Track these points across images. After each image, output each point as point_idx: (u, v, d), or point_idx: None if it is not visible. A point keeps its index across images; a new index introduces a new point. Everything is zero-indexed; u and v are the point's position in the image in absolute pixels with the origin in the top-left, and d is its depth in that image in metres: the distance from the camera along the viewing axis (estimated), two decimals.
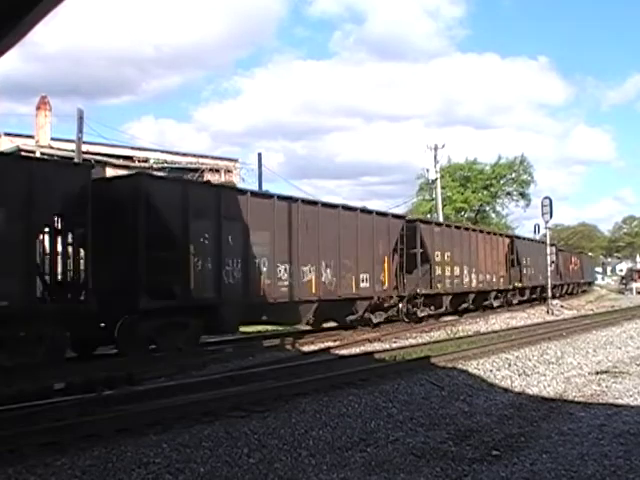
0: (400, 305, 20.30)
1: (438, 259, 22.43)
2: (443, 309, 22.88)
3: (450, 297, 23.20)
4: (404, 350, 13.39)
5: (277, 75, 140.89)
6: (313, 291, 16.28)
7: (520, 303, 30.17)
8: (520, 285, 30.49)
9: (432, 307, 22.03)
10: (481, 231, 28.29)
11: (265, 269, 14.78)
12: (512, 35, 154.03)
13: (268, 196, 15.59)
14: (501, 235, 30.49)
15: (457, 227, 25.62)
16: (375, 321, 19.10)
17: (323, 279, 16.68)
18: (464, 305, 24.85)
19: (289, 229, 15.55)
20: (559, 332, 17.25)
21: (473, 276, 25.15)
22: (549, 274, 30.35)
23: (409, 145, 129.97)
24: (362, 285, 18.26)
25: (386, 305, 19.67)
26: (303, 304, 16.13)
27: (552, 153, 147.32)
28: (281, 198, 15.74)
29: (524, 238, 34.92)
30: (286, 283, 15.40)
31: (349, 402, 8.25)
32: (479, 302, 26.19)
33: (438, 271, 22.40)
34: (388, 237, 19.60)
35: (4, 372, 10.25)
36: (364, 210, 19.25)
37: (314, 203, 17.25)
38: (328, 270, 16.84)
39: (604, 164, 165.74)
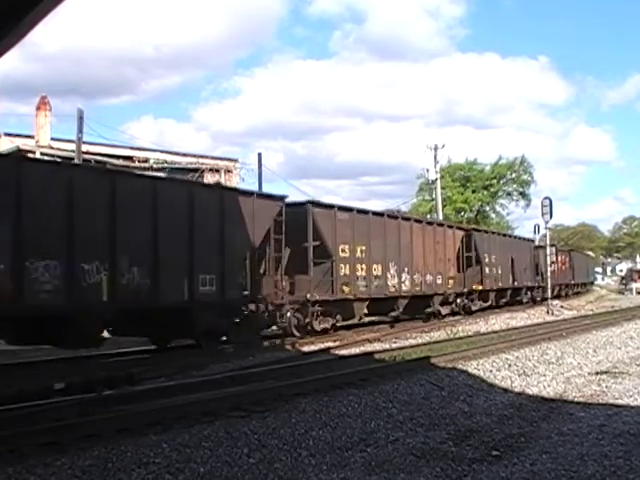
0: (288, 314, 16.21)
1: (344, 255, 17.76)
2: (356, 319, 19.08)
3: (366, 303, 18.86)
4: (404, 350, 13.39)
5: (277, 75, 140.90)
6: None
7: (483, 310, 25.88)
8: (480, 288, 26.03)
9: (338, 316, 17.81)
10: (418, 221, 23.06)
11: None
12: (512, 35, 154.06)
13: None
14: (451, 227, 25.56)
15: (378, 214, 20.42)
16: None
17: None
18: (392, 313, 20.60)
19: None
20: (559, 332, 17.26)
21: (405, 277, 20.69)
22: (549, 274, 30.36)
23: (409, 145, 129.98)
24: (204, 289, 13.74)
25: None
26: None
27: (552, 153, 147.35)
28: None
29: (487, 231, 30.35)
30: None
31: (349, 402, 8.25)
32: (416, 309, 21.88)
33: (344, 270, 17.81)
34: (253, 225, 14.80)
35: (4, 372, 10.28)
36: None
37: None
38: None
39: (604, 164, 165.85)
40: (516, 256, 30.81)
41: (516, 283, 30.72)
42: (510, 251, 30.02)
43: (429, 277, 22.24)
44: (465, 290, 24.83)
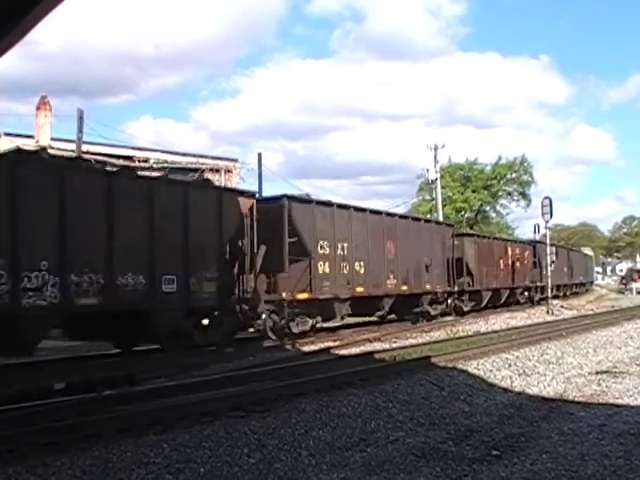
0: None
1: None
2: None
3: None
4: (404, 350, 13.39)
5: (276, 74, 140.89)
6: None
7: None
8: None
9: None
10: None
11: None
12: (513, 34, 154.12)
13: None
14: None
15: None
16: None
17: None
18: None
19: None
20: (559, 332, 17.25)
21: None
22: (549, 274, 30.35)
23: (409, 145, 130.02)
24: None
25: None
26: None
27: (553, 153, 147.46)
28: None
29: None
30: None
31: (349, 402, 8.24)
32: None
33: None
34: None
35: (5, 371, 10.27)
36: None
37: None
38: None
39: (605, 164, 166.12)
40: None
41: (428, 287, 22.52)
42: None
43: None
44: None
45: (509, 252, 30.34)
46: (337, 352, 13.91)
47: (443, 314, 23.27)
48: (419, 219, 24.16)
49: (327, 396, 8.49)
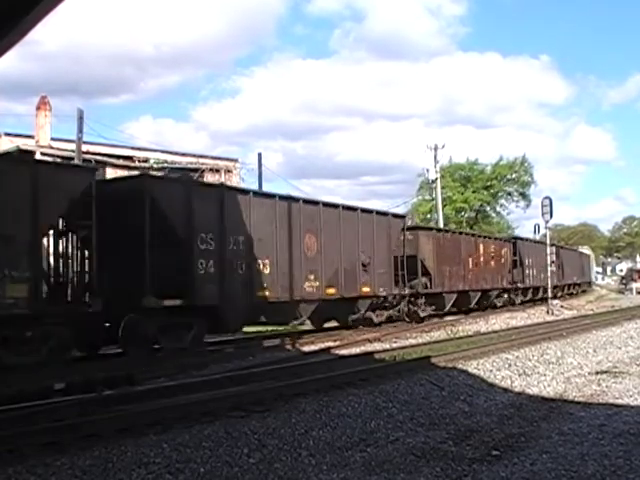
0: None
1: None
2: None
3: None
4: (404, 350, 13.39)
5: (276, 74, 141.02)
6: None
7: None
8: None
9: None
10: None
11: None
12: (514, 34, 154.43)
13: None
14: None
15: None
16: None
17: None
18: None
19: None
20: (559, 332, 17.25)
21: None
22: (549, 274, 30.34)
23: (409, 145, 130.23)
24: None
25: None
26: None
27: (553, 153, 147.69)
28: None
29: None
30: None
31: (349, 402, 8.24)
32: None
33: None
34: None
35: (5, 372, 10.26)
36: None
37: None
38: None
39: (605, 164, 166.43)
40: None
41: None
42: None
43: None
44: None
45: (481, 249, 26.67)
46: (337, 352, 13.91)
47: (393, 321, 19.90)
48: (354, 208, 18.87)
49: (327, 396, 8.49)
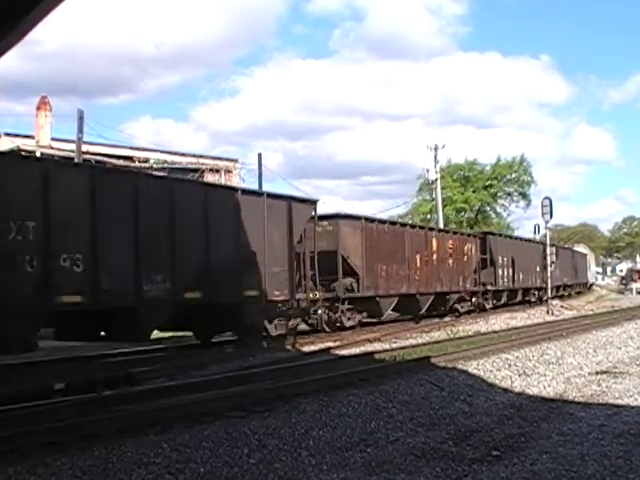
0: None
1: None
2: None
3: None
4: (404, 350, 13.39)
5: (276, 74, 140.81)
6: None
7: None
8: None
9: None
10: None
11: None
12: (514, 34, 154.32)
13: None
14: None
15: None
16: None
17: None
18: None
19: None
20: (559, 332, 17.25)
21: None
22: (549, 274, 30.34)
23: (409, 145, 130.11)
24: None
25: None
26: None
27: (553, 152, 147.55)
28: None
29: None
30: None
31: (349, 402, 8.24)
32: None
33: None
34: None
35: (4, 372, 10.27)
36: None
37: None
38: None
39: (605, 164, 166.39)
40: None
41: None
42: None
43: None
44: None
45: (434, 245, 22.76)
46: (337, 352, 13.91)
47: (295, 334, 16.04)
48: (233, 189, 16.33)
49: (327, 396, 8.49)
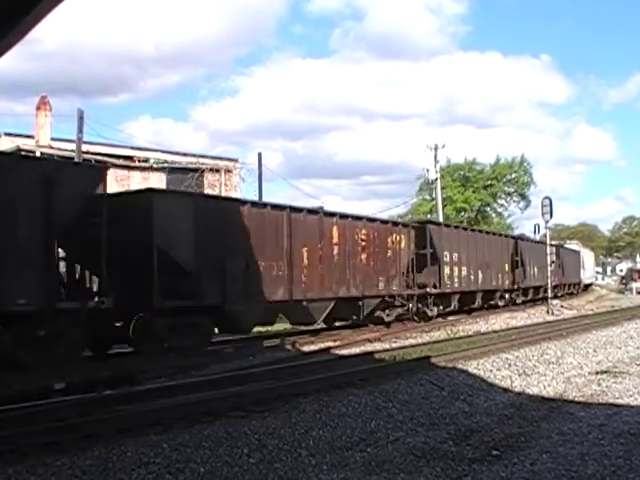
0: None
1: None
2: None
3: None
4: (404, 350, 13.39)
5: (276, 73, 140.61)
6: None
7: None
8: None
9: None
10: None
11: None
12: (514, 33, 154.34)
13: None
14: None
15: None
16: None
17: None
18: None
19: None
20: (559, 332, 17.25)
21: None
22: (549, 274, 30.34)
23: (409, 144, 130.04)
24: None
25: None
26: None
27: (553, 152, 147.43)
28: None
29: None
30: None
31: (349, 402, 8.24)
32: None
33: None
34: None
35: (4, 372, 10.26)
36: None
37: None
38: None
39: (605, 163, 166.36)
40: None
41: None
42: None
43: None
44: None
45: (334, 235, 17.31)
46: (337, 352, 13.91)
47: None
48: None
49: (327, 396, 8.49)
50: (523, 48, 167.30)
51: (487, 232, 28.64)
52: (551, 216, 29.55)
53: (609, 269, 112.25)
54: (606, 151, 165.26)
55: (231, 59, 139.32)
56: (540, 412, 8.13)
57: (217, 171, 31.81)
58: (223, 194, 29.30)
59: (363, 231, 18.55)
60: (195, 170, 30.65)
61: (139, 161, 29.57)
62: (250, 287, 14.43)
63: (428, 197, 50.93)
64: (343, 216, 18.13)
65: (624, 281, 69.66)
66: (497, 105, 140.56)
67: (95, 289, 12.58)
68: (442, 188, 41.89)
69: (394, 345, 15.24)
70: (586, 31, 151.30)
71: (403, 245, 20.30)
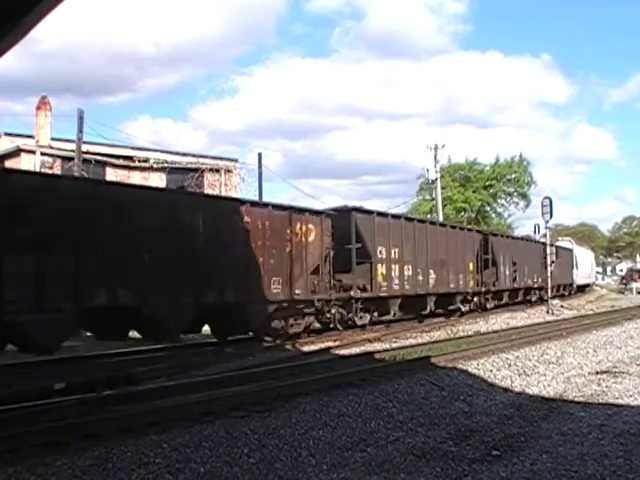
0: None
1: None
2: None
3: None
4: (404, 350, 13.39)
5: (276, 73, 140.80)
6: None
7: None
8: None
9: None
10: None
11: None
12: (515, 33, 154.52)
13: None
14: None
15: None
16: None
17: None
18: None
19: None
20: (559, 332, 17.26)
21: None
22: (549, 274, 30.32)
23: (409, 144, 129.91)
24: None
25: None
26: None
27: (554, 152, 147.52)
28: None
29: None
30: None
31: (349, 402, 8.25)
32: None
33: None
34: None
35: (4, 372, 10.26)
36: None
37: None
38: None
39: (606, 163, 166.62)
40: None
41: None
42: None
43: None
44: None
45: (199, 221, 12.97)
46: (337, 352, 13.90)
47: None
48: None
49: (327, 396, 8.49)
50: (524, 48, 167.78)
51: (442, 224, 23.94)
52: (551, 216, 29.53)
53: (609, 269, 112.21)
54: (606, 151, 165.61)
55: (231, 58, 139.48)
56: (540, 412, 8.13)
57: (217, 171, 31.81)
58: (223, 194, 29.32)
59: (246, 218, 14.05)
60: (195, 170, 30.65)
61: (139, 161, 29.56)
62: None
63: (428, 197, 50.87)
64: (210, 197, 14.12)
65: (624, 281, 69.61)
66: (497, 105, 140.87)
67: None
68: (442, 188, 41.86)
69: (394, 345, 15.23)
70: (587, 31, 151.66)
71: (312, 238, 15.85)
